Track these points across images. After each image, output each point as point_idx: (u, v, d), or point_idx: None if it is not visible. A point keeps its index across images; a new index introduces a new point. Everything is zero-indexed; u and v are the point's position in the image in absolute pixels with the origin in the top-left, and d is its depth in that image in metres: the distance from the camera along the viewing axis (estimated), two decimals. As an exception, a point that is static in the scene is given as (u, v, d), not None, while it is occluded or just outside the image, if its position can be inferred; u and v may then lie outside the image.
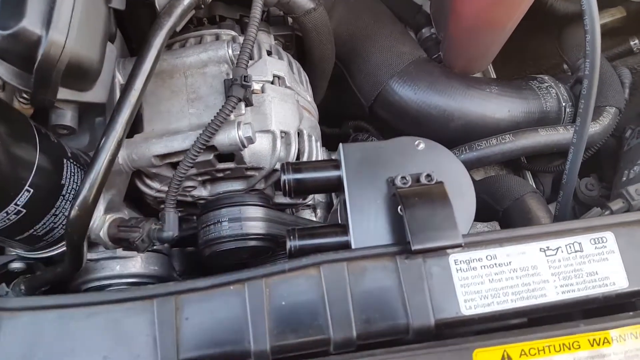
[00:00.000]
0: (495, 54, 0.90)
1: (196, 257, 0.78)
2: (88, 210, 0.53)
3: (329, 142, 0.81)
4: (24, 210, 0.52)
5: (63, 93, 0.52)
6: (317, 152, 0.72)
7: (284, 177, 0.51)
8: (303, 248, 0.49)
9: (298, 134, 0.68)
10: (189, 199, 0.70)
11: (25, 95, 0.56)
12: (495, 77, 1.05)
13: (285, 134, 0.66)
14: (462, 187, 0.51)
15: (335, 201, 0.89)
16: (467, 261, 0.48)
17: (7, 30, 0.46)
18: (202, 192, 0.69)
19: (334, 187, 0.52)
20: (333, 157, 0.53)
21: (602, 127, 0.82)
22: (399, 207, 0.48)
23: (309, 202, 0.83)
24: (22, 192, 0.52)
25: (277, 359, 0.45)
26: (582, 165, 0.66)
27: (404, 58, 0.85)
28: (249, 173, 0.67)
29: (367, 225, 0.50)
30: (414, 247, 0.45)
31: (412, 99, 0.83)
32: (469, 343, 0.45)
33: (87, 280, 0.66)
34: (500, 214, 0.76)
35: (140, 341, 0.43)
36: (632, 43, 1.03)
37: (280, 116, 0.66)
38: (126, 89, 0.55)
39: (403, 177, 0.49)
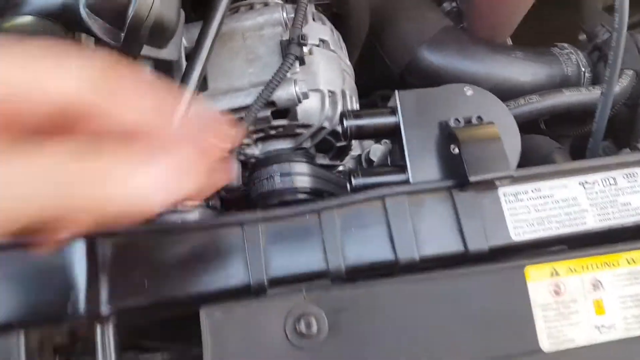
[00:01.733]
0: (517, 22, 0.95)
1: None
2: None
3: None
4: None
5: (145, 49, 0.57)
6: (357, 112, 0.78)
7: (346, 123, 0.56)
8: (366, 185, 0.55)
9: (342, 94, 0.73)
10: (242, 157, 0.75)
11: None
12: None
13: (332, 93, 0.71)
14: (508, 128, 0.56)
15: (364, 165, 0.95)
16: (515, 194, 0.54)
17: (103, -11, 0.51)
18: (255, 150, 0.75)
19: (391, 131, 0.57)
20: (389, 105, 0.58)
21: (622, 88, 0.87)
22: (452, 146, 0.54)
23: (341, 167, 0.89)
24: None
25: (351, 278, 0.50)
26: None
27: (433, 26, 0.90)
28: (298, 131, 0.73)
29: (423, 164, 0.55)
30: (472, 179, 0.50)
31: (442, 65, 0.88)
32: (521, 261, 0.51)
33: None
34: (529, 169, 0.81)
35: (233, 263, 0.49)
36: (646, 12, 1.08)
37: (327, 76, 0.71)
38: (197, 47, 0.60)
39: (456, 119, 0.55)
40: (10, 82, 0.25)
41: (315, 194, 0.74)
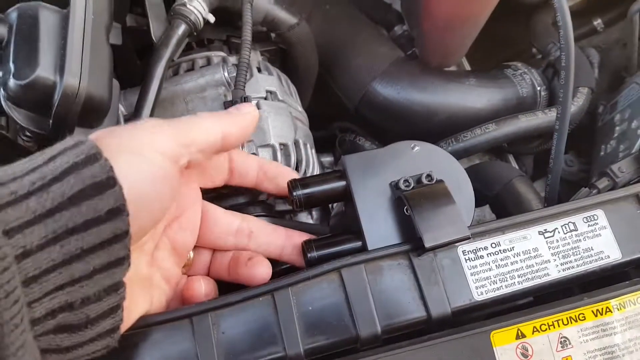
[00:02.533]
0: (468, 46, 0.94)
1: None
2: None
3: (316, 144, 0.84)
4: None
5: (77, 132, 0.54)
6: (313, 159, 0.76)
7: (294, 194, 0.54)
8: (321, 257, 0.53)
9: (295, 144, 0.71)
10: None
11: (28, 134, 0.58)
12: (468, 67, 1.09)
13: (283, 146, 0.69)
14: (460, 182, 0.55)
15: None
16: (474, 250, 0.52)
17: (24, 80, 0.48)
18: (210, 209, 0.72)
19: (340, 196, 0.55)
20: (335, 168, 0.56)
21: (578, 107, 0.87)
22: (405, 208, 0.52)
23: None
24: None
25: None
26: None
27: (384, 60, 0.89)
28: (252, 187, 0.70)
29: (378, 228, 0.53)
30: (427, 245, 0.48)
31: (396, 98, 0.86)
32: (486, 326, 0.49)
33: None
34: (490, 199, 0.80)
35: (182, 357, 0.46)
36: (595, 23, 1.09)
37: (277, 129, 0.69)
38: (135, 118, 0.57)
39: (405, 180, 0.53)
40: None
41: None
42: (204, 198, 0.59)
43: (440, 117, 0.86)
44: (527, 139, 0.96)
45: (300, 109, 0.78)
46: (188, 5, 0.63)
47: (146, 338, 0.47)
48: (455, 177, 0.55)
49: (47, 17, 0.51)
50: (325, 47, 0.89)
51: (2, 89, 0.50)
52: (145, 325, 0.47)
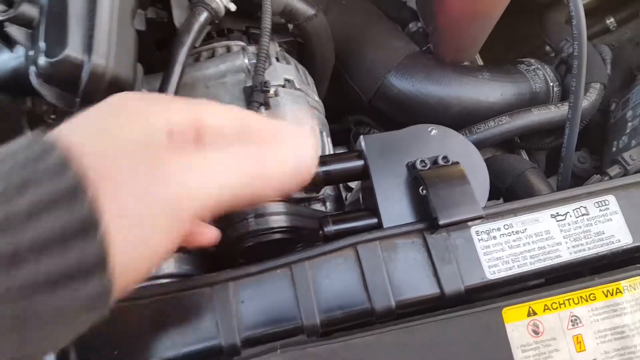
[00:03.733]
0: (483, 41, 0.95)
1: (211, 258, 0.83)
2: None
3: (331, 138, 0.86)
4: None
5: (103, 110, 0.56)
6: (329, 147, 0.77)
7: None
8: (338, 232, 0.54)
9: (312, 131, 0.73)
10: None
11: (52, 116, 0.60)
12: (482, 63, 1.10)
13: (300, 133, 0.70)
14: (475, 166, 0.56)
15: (343, 193, 0.94)
16: (487, 231, 0.54)
17: (54, 57, 0.50)
18: (227, 193, 0.74)
19: (358, 175, 0.57)
20: (356, 149, 0.58)
21: (590, 102, 0.88)
22: (421, 187, 0.53)
23: (320, 196, 0.88)
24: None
25: (326, 331, 0.49)
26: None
27: (399, 53, 0.90)
28: (269, 172, 0.72)
29: (393, 207, 0.55)
30: (441, 222, 0.50)
31: (411, 91, 0.88)
32: (497, 303, 0.50)
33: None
34: (503, 191, 0.81)
35: (204, 325, 0.48)
36: (607, 22, 1.10)
37: (294, 116, 0.70)
38: (157, 102, 0.59)
39: (422, 161, 0.54)
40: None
41: (292, 232, 0.73)
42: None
43: (454, 110, 0.87)
44: (539, 135, 0.97)
45: (317, 98, 0.80)
46: (210, -7, 0.65)
47: (167, 306, 0.48)
48: (471, 160, 0.56)
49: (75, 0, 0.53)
50: (341, 40, 0.90)
51: (33, 67, 0.52)
52: (166, 292, 0.48)
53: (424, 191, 0.52)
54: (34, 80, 0.52)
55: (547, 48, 1.11)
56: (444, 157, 0.54)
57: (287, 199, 0.75)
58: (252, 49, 0.73)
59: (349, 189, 0.94)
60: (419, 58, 0.90)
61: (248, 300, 0.49)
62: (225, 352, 0.48)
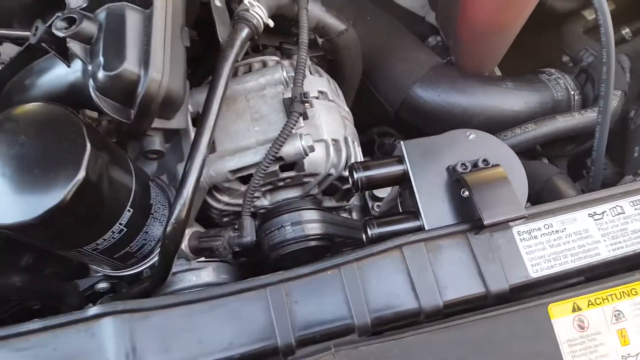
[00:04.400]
0: (503, 53, 0.98)
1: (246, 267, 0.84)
2: (182, 224, 0.59)
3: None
4: (125, 229, 0.59)
5: (155, 122, 0.58)
6: (360, 156, 0.79)
7: (356, 175, 0.58)
8: (382, 235, 0.56)
9: (344, 140, 0.75)
10: (252, 209, 0.76)
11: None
12: (500, 74, 1.13)
13: (335, 142, 0.73)
14: (514, 168, 0.58)
15: (370, 203, 0.96)
16: (529, 231, 0.55)
17: (112, 71, 0.53)
18: (264, 202, 0.76)
19: (398, 180, 0.59)
20: (396, 154, 0.60)
21: (613, 109, 0.90)
22: (462, 190, 0.55)
23: (347, 206, 0.90)
24: (124, 213, 0.58)
25: (376, 331, 0.51)
26: (591, 148, 0.73)
27: (423, 65, 0.93)
28: (305, 180, 0.74)
29: (434, 210, 0.57)
30: (486, 222, 0.52)
31: (436, 101, 0.90)
32: (543, 299, 0.52)
33: (168, 293, 0.72)
34: (532, 197, 0.83)
35: (259, 326, 0.50)
36: (623, 32, 1.12)
37: (329, 126, 0.73)
38: (204, 114, 0.61)
39: (463, 164, 0.56)
40: None
41: (327, 239, 0.75)
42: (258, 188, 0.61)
43: (479, 119, 0.89)
44: (561, 142, 0.99)
45: (347, 109, 0.82)
46: (250, 11, 0.67)
47: (222, 307, 0.50)
48: (509, 163, 0.58)
49: (133, 17, 0.56)
50: (367, 54, 0.93)
51: (91, 80, 0.54)
52: (221, 295, 0.50)
53: (466, 193, 0.54)
54: (92, 93, 0.55)
55: (564, 59, 1.13)
56: (484, 160, 0.56)
57: (320, 206, 0.77)
58: (286, 63, 0.76)
59: (376, 199, 0.96)
60: (443, 69, 0.92)
61: (301, 301, 0.51)
62: (281, 352, 0.49)
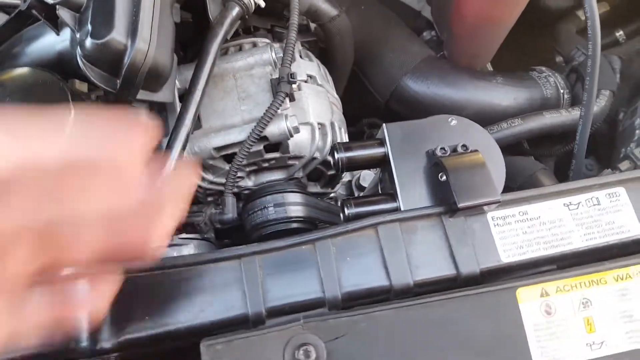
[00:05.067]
0: (495, 49, 0.99)
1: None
2: (163, 197, 0.60)
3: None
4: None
5: (141, 94, 0.59)
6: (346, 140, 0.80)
7: (337, 155, 0.59)
8: (358, 214, 0.57)
9: (331, 125, 0.76)
10: (236, 189, 0.77)
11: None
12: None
13: (321, 126, 0.74)
14: (493, 155, 0.58)
15: (356, 192, 0.97)
16: (503, 217, 0.56)
17: (99, 39, 0.54)
18: (248, 182, 0.77)
19: (380, 162, 0.60)
20: (377, 137, 0.61)
21: (600, 108, 0.91)
22: (440, 174, 0.56)
23: (333, 193, 0.91)
24: (106, 182, 0.58)
25: (347, 305, 0.52)
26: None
27: (415, 56, 0.94)
28: (290, 162, 0.75)
29: (412, 192, 0.57)
30: (460, 204, 0.52)
31: (426, 93, 0.91)
32: (512, 283, 0.52)
33: (150, 268, 0.73)
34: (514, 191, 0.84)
35: (232, 295, 0.50)
36: (617, 34, 1.13)
37: (316, 110, 0.73)
38: (190, 90, 0.62)
39: (442, 148, 0.57)
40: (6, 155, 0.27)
41: (309, 222, 0.76)
42: (242, 168, 0.62)
43: (468, 113, 0.90)
44: (548, 142, 1.00)
45: (335, 95, 0.83)
46: (242, -10, 0.68)
47: (196, 275, 0.51)
48: (489, 150, 0.59)
49: (122, -13, 0.56)
50: (359, 43, 0.94)
51: (79, 49, 0.55)
52: (196, 262, 0.51)
53: (443, 177, 0.55)
54: (79, 61, 0.55)
55: (558, 59, 1.14)
56: (464, 145, 0.57)
57: (305, 190, 0.78)
58: (277, 46, 0.77)
59: (361, 188, 0.97)
60: (434, 62, 0.93)
61: (274, 273, 0.52)
62: (251, 322, 0.50)
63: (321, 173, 0.81)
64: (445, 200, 0.55)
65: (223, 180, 0.73)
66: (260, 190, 0.75)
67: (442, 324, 0.51)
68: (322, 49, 0.89)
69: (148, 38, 0.55)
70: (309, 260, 0.53)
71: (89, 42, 0.54)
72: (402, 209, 0.57)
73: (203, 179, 0.73)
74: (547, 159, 1.05)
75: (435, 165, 0.57)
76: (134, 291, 0.51)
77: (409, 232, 0.55)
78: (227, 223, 0.66)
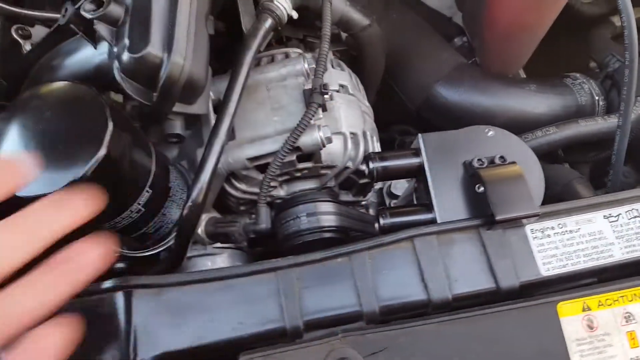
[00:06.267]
0: (528, 56, 0.97)
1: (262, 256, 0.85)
2: (199, 207, 0.60)
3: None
4: (144, 209, 0.60)
5: (176, 106, 0.59)
6: (378, 149, 0.80)
7: (372, 165, 0.58)
8: (394, 224, 0.56)
9: (363, 134, 0.76)
10: (269, 199, 0.77)
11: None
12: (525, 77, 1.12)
13: (353, 135, 0.73)
14: (531, 167, 0.58)
15: (387, 200, 0.97)
16: (542, 230, 0.55)
17: (137, 53, 0.54)
18: (280, 192, 0.77)
19: (415, 172, 0.59)
20: (413, 147, 0.60)
21: (637, 115, 0.89)
22: (477, 185, 0.55)
23: (364, 202, 0.90)
24: (143, 193, 0.59)
25: (385, 319, 0.51)
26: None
27: (447, 64, 0.93)
28: (322, 172, 0.75)
29: (448, 204, 0.57)
30: (498, 217, 0.52)
31: (458, 100, 0.90)
32: (553, 297, 0.52)
33: (183, 277, 0.74)
34: (551, 200, 0.82)
35: (269, 308, 0.50)
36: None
37: (348, 119, 0.73)
38: (225, 101, 0.62)
39: (479, 160, 0.56)
40: None
41: (342, 232, 0.76)
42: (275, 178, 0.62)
43: (501, 120, 0.89)
44: (584, 148, 0.98)
45: (367, 104, 0.83)
46: (275, 2, 0.68)
47: (233, 288, 0.51)
48: (527, 162, 0.58)
49: (159, 1, 0.57)
50: (390, 51, 0.93)
51: (116, 62, 0.56)
52: (232, 275, 0.51)
53: (481, 188, 0.55)
54: (116, 74, 0.56)
55: (591, 65, 1.12)
56: (501, 157, 0.56)
57: (337, 199, 0.78)
58: (309, 55, 0.77)
59: (393, 196, 0.96)
60: (466, 69, 0.92)
61: (311, 286, 0.52)
62: (288, 335, 0.50)
63: (353, 182, 0.80)
64: (482, 212, 0.55)
65: (255, 190, 0.73)
66: (293, 200, 0.75)
67: (483, 339, 0.50)
68: (353, 57, 0.89)
69: (184, 52, 0.56)
70: (345, 273, 0.53)
71: (126, 55, 0.55)
72: (438, 220, 0.56)
73: (236, 189, 0.74)
74: (582, 166, 1.03)
75: (472, 177, 0.56)
76: (172, 303, 0.51)
77: (445, 245, 0.54)
78: (261, 233, 0.66)
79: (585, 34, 1.08)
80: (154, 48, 0.55)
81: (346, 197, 0.85)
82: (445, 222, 0.55)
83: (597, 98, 0.94)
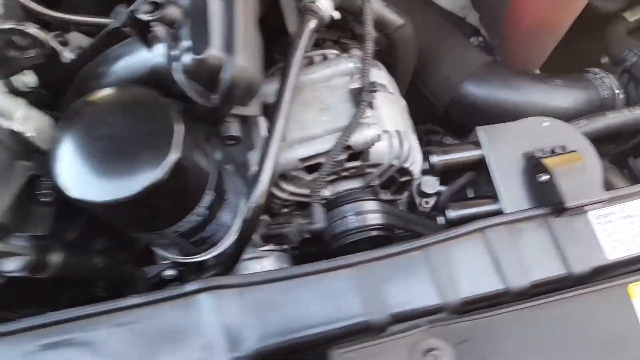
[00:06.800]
0: (549, 53, 0.99)
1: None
2: (261, 210, 0.60)
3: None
4: (208, 212, 0.60)
5: (234, 108, 0.60)
6: (419, 147, 0.81)
7: (433, 159, 0.59)
8: (461, 217, 0.57)
9: (405, 132, 0.76)
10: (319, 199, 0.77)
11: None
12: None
13: (397, 133, 0.74)
14: (589, 154, 0.59)
15: (417, 199, 0.97)
16: (605, 215, 0.56)
17: (199, 54, 0.54)
18: (325, 192, 0.77)
19: (474, 165, 0.60)
20: (471, 140, 0.61)
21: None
22: (538, 175, 0.56)
23: (398, 200, 0.91)
24: (204, 195, 0.59)
25: (465, 310, 0.52)
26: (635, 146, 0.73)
27: (473, 62, 0.94)
28: (367, 171, 0.75)
29: (512, 194, 0.58)
30: (568, 205, 0.53)
31: (487, 97, 0.92)
32: (623, 280, 0.53)
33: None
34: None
35: (351, 302, 0.51)
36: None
37: (391, 117, 0.74)
38: (278, 102, 0.63)
39: (541, 150, 0.57)
40: None
41: (387, 230, 0.76)
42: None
43: (528, 115, 0.90)
44: (606, 140, 1.00)
45: (403, 102, 0.83)
46: (317, 2, 0.69)
47: (314, 283, 0.51)
48: (584, 149, 0.59)
49: (215, 3, 0.57)
50: (419, 50, 0.94)
51: (176, 64, 0.55)
52: (313, 272, 0.51)
53: (542, 178, 0.56)
54: (178, 76, 0.56)
55: (603, 60, 1.14)
56: (561, 147, 0.57)
57: (379, 197, 0.78)
58: (345, 56, 0.77)
59: (423, 195, 0.97)
60: (494, 66, 0.94)
61: (389, 280, 0.52)
62: (372, 328, 0.50)
63: (393, 180, 0.81)
64: (547, 201, 0.56)
65: (302, 191, 0.73)
66: (339, 199, 0.75)
67: (557, 324, 0.51)
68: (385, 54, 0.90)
69: (245, 53, 0.56)
70: (421, 266, 0.53)
71: (189, 57, 0.55)
72: (504, 210, 0.57)
73: (284, 191, 0.74)
74: (604, 158, 1.05)
75: (534, 167, 0.57)
76: (256, 302, 0.51)
77: (515, 234, 0.55)
78: (316, 232, 0.66)
79: (597, 30, 1.10)
80: (215, 49, 0.55)
81: (385, 195, 0.85)
82: (513, 212, 0.56)
83: (617, 91, 0.96)
